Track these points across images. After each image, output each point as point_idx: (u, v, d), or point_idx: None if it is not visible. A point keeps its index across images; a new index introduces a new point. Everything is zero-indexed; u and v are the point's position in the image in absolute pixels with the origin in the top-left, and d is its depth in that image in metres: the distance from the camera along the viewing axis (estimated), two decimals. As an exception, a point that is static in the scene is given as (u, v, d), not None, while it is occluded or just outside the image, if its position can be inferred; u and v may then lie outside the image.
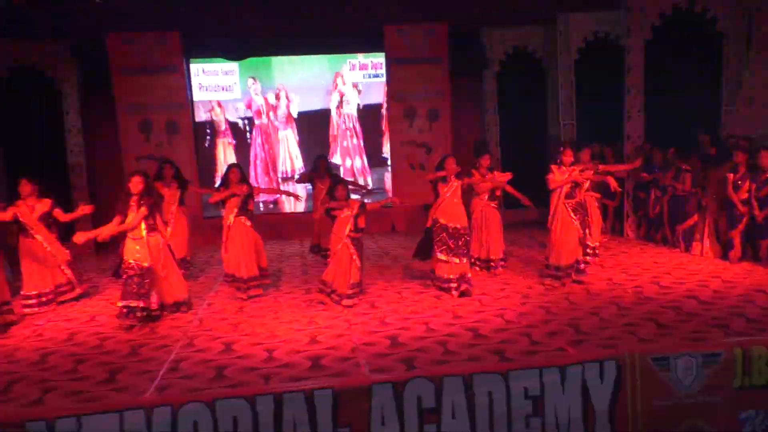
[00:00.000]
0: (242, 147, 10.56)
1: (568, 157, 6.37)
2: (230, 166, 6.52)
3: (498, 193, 7.20)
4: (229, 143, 10.52)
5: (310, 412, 4.12)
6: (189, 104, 10.15)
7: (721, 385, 4.48)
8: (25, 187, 6.24)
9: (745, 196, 6.77)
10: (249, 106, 10.48)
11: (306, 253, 8.68)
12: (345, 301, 5.91)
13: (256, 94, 10.47)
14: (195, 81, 10.26)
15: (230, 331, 5.43)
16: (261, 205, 10.60)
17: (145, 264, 5.58)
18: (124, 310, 5.51)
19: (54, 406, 4.08)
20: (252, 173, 10.50)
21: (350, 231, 5.88)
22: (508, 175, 7.14)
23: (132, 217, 5.57)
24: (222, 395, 4.13)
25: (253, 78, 10.42)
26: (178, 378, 4.48)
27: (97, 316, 6.06)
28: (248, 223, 6.35)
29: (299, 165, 10.71)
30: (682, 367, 4.49)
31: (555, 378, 4.35)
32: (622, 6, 8.38)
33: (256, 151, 10.64)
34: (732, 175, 6.87)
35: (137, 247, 5.60)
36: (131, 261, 5.58)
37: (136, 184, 5.56)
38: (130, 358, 4.89)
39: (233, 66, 10.34)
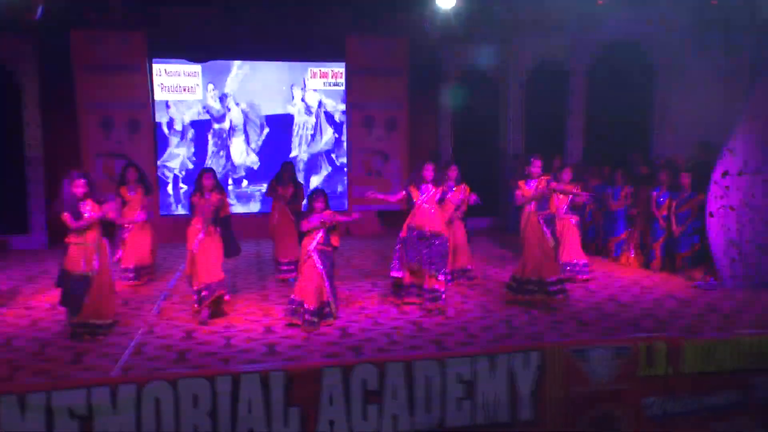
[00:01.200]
0: (198, 149, 10.88)
1: (536, 168, 6.33)
2: (203, 171, 6.09)
3: (464, 207, 7.26)
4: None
5: (264, 393, 4.64)
6: (150, 103, 10.44)
7: (628, 374, 5.22)
8: None
9: (665, 212, 7.63)
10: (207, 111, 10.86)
11: (261, 252, 9.16)
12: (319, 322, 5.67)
13: (213, 100, 10.83)
14: (157, 81, 10.56)
15: (189, 321, 5.85)
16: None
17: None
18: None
19: (24, 382, 4.43)
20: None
21: (318, 244, 5.68)
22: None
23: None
24: (184, 375, 4.59)
25: (213, 84, 10.80)
26: (141, 360, 4.90)
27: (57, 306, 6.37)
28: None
29: (252, 163, 11.13)
30: (596, 358, 5.20)
31: (485, 365, 5.01)
32: (567, 34, 9.21)
33: (210, 153, 10.97)
34: (655, 193, 7.74)
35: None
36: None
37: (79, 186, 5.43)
38: (92, 344, 5.26)
39: (196, 68, 10.70)
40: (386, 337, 5.46)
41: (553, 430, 5.12)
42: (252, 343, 5.31)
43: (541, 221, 6.30)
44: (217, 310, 5.92)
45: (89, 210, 5.42)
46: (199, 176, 6.01)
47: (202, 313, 5.79)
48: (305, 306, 5.59)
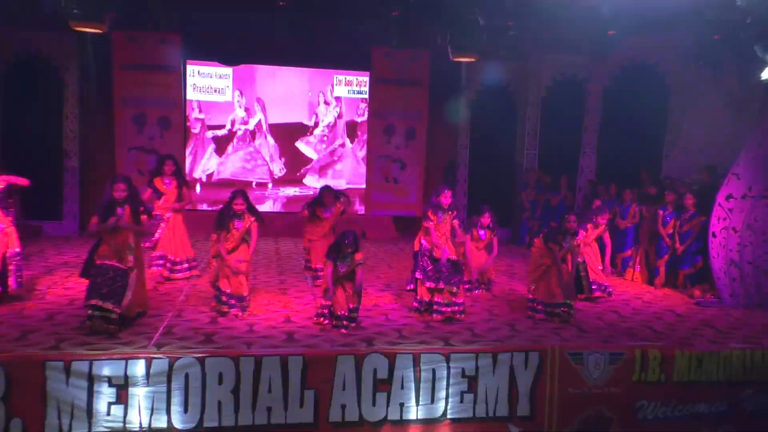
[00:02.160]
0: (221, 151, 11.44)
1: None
2: (235, 194, 6.25)
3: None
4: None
5: (283, 374, 5.15)
6: (182, 102, 11.04)
7: (622, 378, 5.63)
8: None
9: (671, 230, 8.01)
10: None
11: (279, 249, 9.67)
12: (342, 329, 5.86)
13: (240, 107, 11.39)
14: (190, 81, 11.16)
15: (210, 311, 6.34)
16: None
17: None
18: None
19: (68, 352, 4.96)
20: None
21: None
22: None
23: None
24: (211, 353, 5.09)
25: (240, 91, 11.36)
26: (171, 339, 5.40)
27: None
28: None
29: (276, 170, 11.64)
30: (592, 362, 5.64)
31: (488, 362, 5.47)
32: (586, 54, 9.63)
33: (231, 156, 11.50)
34: (662, 212, 8.12)
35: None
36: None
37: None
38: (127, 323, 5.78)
39: (228, 71, 11.29)
40: (397, 332, 5.91)
41: (548, 427, 5.54)
42: (273, 330, 5.79)
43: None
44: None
45: (124, 215, 5.63)
46: (230, 199, 6.22)
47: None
48: (337, 312, 5.89)
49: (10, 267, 6.22)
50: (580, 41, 8.60)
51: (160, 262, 7.37)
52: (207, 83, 11.27)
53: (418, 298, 6.43)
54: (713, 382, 5.75)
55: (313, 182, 11.65)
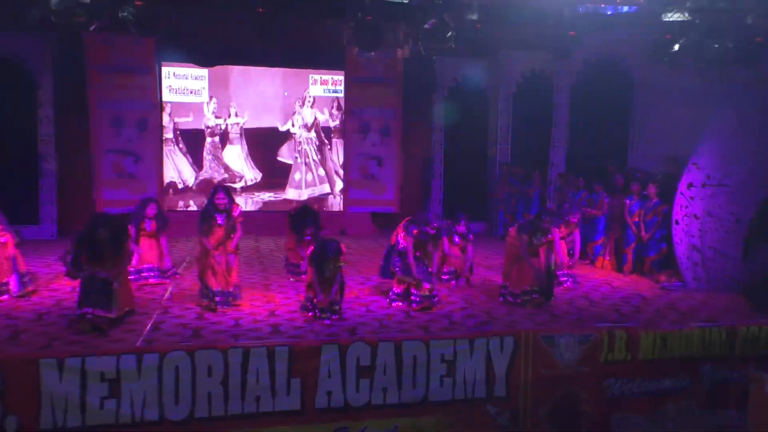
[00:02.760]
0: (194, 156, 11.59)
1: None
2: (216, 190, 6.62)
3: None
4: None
5: (270, 365, 5.39)
6: (158, 104, 11.15)
7: (591, 359, 6.00)
8: None
9: (636, 219, 8.43)
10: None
11: (259, 247, 9.90)
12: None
13: (212, 113, 11.53)
14: (165, 83, 11.27)
15: (197, 307, 6.55)
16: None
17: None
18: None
19: (61, 350, 5.13)
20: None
21: None
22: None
23: None
24: (200, 347, 5.31)
25: (211, 97, 11.50)
26: (160, 335, 5.61)
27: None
28: None
29: (250, 176, 11.84)
30: (563, 344, 5.99)
31: (465, 347, 5.78)
32: (553, 50, 10.00)
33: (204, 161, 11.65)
34: (627, 201, 8.54)
35: None
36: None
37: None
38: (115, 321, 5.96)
39: (203, 72, 11.42)
40: (378, 322, 6.19)
41: (524, 406, 5.89)
42: (258, 323, 6.03)
43: None
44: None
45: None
46: (211, 195, 6.51)
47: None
48: (321, 305, 6.20)
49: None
50: (545, 39, 8.96)
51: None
52: (183, 85, 11.40)
53: (395, 289, 6.78)
54: (675, 359, 6.15)
55: (295, 195, 11.89)
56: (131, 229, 6.90)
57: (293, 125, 11.92)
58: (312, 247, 6.50)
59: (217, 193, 6.46)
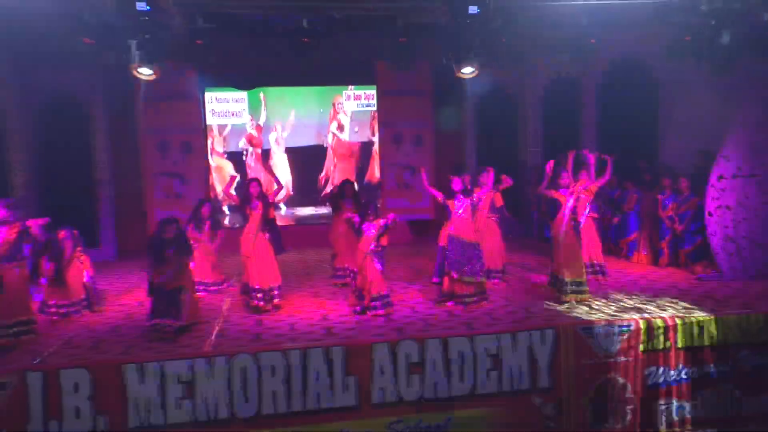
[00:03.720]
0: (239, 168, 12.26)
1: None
2: (249, 181, 7.36)
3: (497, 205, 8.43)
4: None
5: (328, 364, 5.87)
6: (202, 128, 11.86)
7: (630, 348, 6.31)
8: None
9: (670, 213, 8.69)
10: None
11: (305, 259, 10.44)
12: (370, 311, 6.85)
13: (252, 128, 12.21)
14: (208, 107, 11.98)
15: (254, 314, 7.09)
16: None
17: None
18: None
19: (140, 355, 5.72)
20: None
21: (374, 247, 6.95)
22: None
23: None
24: (263, 349, 5.84)
25: (251, 116, 12.18)
26: (225, 341, 6.15)
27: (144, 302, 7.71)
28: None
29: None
30: (603, 335, 6.32)
31: (508, 341, 6.17)
32: (579, 52, 10.31)
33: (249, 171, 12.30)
34: (660, 196, 8.81)
35: None
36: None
37: None
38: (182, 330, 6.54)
39: (242, 94, 12.10)
40: (424, 321, 6.63)
41: (567, 395, 6.23)
42: (313, 327, 6.54)
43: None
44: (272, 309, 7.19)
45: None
46: (246, 186, 7.29)
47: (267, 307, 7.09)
48: (373, 293, 6.84)
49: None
50: (569, 43, 9.32)
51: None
52: (224, 108, 12.09)
53: (443, 289, 7.25)
54: (713, 346, 6.42)
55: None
56: (189, 229, 7.72)
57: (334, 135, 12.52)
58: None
59: (252, 182, 7.23)
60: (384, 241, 7.05)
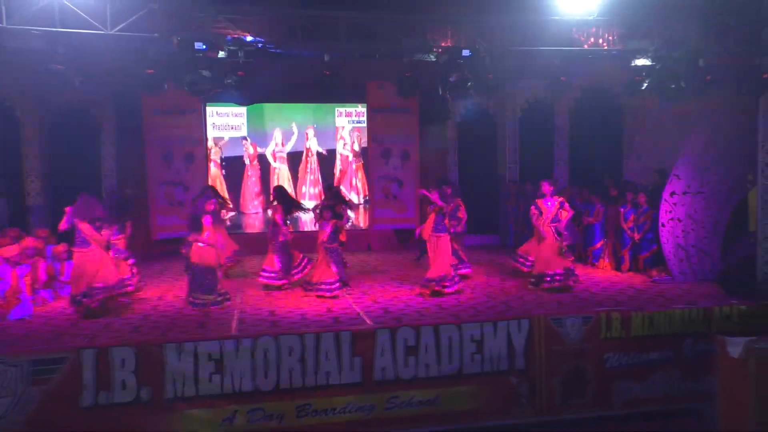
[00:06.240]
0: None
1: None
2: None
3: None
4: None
5: (337, 346, 6.99)
6: (204, 140, 12.92)
7: (593, 336, 7.57)
8: None
9: (631, 224, 10.07)
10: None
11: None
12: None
13: (251, 145, 13.38)
14: (209, 120, 13.06)
15: (267, 305, 8.19)
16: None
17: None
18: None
19: (177, 337, 6.78)
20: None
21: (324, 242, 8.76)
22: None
23: None
24: (282, 332, 6.94)
25: (246, 137, 13.36)
26: (245, 327, 7.24)
27: (164, 296, 8.74)
28: None
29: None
30: (569, 325, 7.57)
31: (490, 329, 7.39)
32: (552, 84, 11.71)
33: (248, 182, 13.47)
34: (622, 209, 10.19)
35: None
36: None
37: None
38: (205, 318, 7.61)
39: (242, 109, 13.23)
40: (417, 313, 7.82)
41: (539, 377, 7.46)
42: (321, 317, 7.67)
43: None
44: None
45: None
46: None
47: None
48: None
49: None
50: (544, 76, 10.69)
51: None
52: (224, 121, 13.20)
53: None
54: (662, 335, 7.73)
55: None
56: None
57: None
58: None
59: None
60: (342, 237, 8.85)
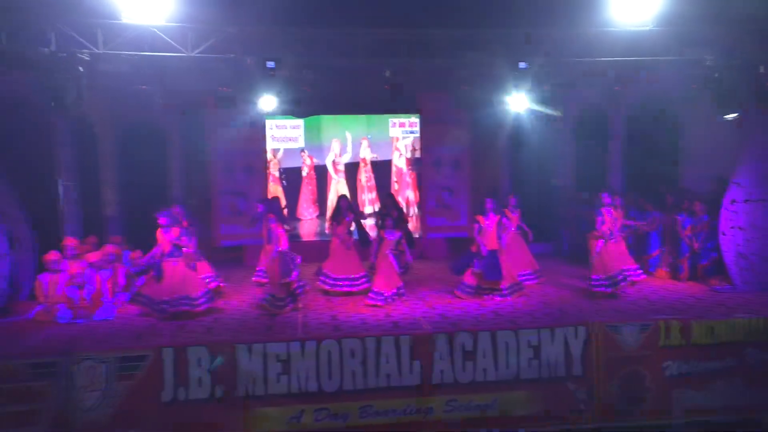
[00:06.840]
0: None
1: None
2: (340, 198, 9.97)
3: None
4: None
5: (397, 350, 7.28)
6: (263, 151, 13.49)
7: (651, 344, 7.62)
8: None
9: (689, 232, 10.01)
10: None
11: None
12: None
13: (308, 156, 13.90)
14: (269, 133, 13.63)
15: (327, 311, 8.57)
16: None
17: None
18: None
19: (247, 338, 7.22)
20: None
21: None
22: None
23: None
24: (345, 336, 7.29)
25: (303, 149, 13.90)
26: (310, 331, 7.61)
27: (230, 300, 9.24)
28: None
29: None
30: (626, 332, 7.65)
31: (547, 335, 7.53)
32: (607, 95, 11.75)
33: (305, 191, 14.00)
34: (680, 218, 10.14)
35: None
36: None
37: None
38: (272, 321, 8.03)
39: (299, 122, 13.75)
40: (475, 319, 8.03)
41: (596, 383, 7.55)
42: (381, 321, 7.98)
43: None
44: None
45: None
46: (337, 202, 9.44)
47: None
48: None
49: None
50: (599, 82, 10.77)
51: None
52: (283, 134, 13.74)
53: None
54: (723, 343, 7.70)
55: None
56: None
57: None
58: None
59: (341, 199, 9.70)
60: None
